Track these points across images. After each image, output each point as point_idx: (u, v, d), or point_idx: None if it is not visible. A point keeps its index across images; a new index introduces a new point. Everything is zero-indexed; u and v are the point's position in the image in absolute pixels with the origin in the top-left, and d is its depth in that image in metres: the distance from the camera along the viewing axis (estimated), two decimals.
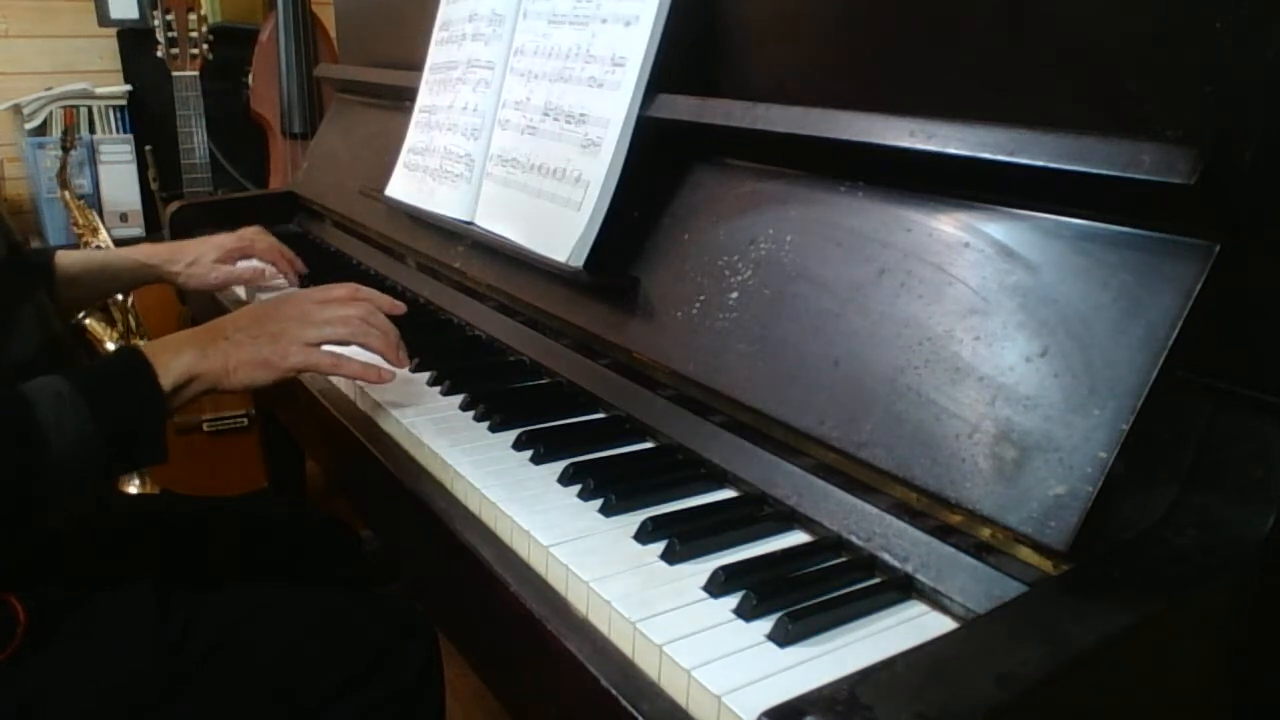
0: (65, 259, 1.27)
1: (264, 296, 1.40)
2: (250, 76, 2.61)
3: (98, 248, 2.20)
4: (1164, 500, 0.64)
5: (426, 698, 1.00)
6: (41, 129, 2.59)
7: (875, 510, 0.72)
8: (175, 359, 0.85)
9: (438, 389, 1.04)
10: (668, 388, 0.93)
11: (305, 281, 1.48)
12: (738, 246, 0.90)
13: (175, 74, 2.22)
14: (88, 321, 2.10)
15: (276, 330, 0.92)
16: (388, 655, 0.96)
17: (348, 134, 1.79)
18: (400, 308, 1.04)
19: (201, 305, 1.68)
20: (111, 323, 2.14)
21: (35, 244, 2.62)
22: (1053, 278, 0.67)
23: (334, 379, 1.09)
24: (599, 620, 0.67)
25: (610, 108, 1.00)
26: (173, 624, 0.90)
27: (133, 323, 2.16)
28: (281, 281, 1.48)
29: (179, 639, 0.89)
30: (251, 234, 1.46)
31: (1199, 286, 0.60)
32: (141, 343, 0.86)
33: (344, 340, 0.96)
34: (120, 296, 2.11)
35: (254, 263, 1.45)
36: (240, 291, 1.49)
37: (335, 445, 1.11)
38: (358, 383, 1.02)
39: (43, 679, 0.84)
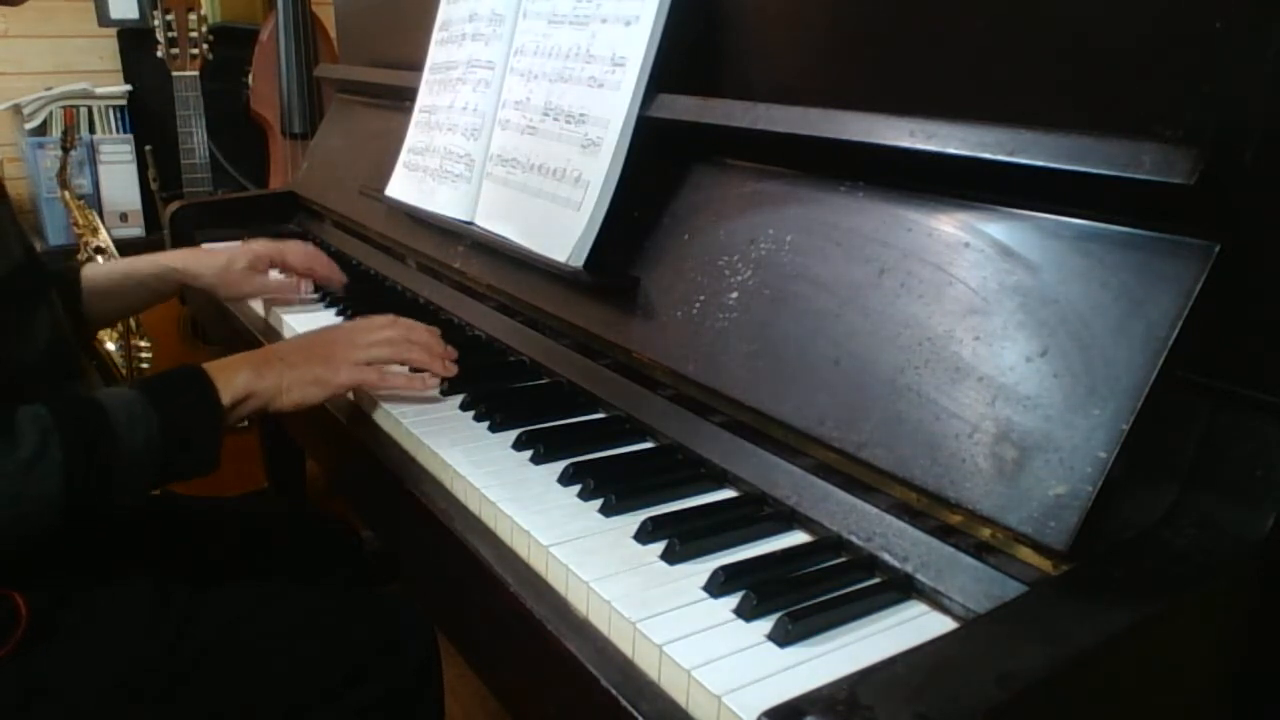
0: (91, 272, 1.25)
1: (282, 313, 1.35)
2: (250, 76, 2.61)
3: (98, 248, 2.20)
4: (1164, 500, 0.64)
5: (426, 697, 1.00)
6: (41, 129, 2.59)
7: (875, 510, 0.72)
8: (234, 377, 0.90)
9: (438, 389, 1.04)
10: (668, 388, 0.93)
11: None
12: (738, 246, 0.90)
13: (175, 74, 2.22)
14: None
15: (326, 353, 0.97)
16: (387, 655, 0.96)
17: (348, 134, 1.79)
18: (435, 332, 1.07)
19: (202, 306, 1.68)
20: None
21: (36, 244, 2.61)
22: (1053, 278, 0.67)
23: None
24: (599, 620, 0.67)
25: (610, 108, 1.00)
26: (172, 621, 0.91)
27: (133, 323, 2.15)
28: (310, 300, 1.40)
29: (177, 636, 0.89)
30: (284, 244, 1.40)
31: (1199, 286, 0.60)
32: (205, 364, 0.91)
33: (389, 359, 1.01)
34: None
35: (289, 280, 1.39)
36: (258, 307, 1.42)
37: (335, 445, 1.11)
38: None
39: (43, 675, 0.84)
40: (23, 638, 0.83)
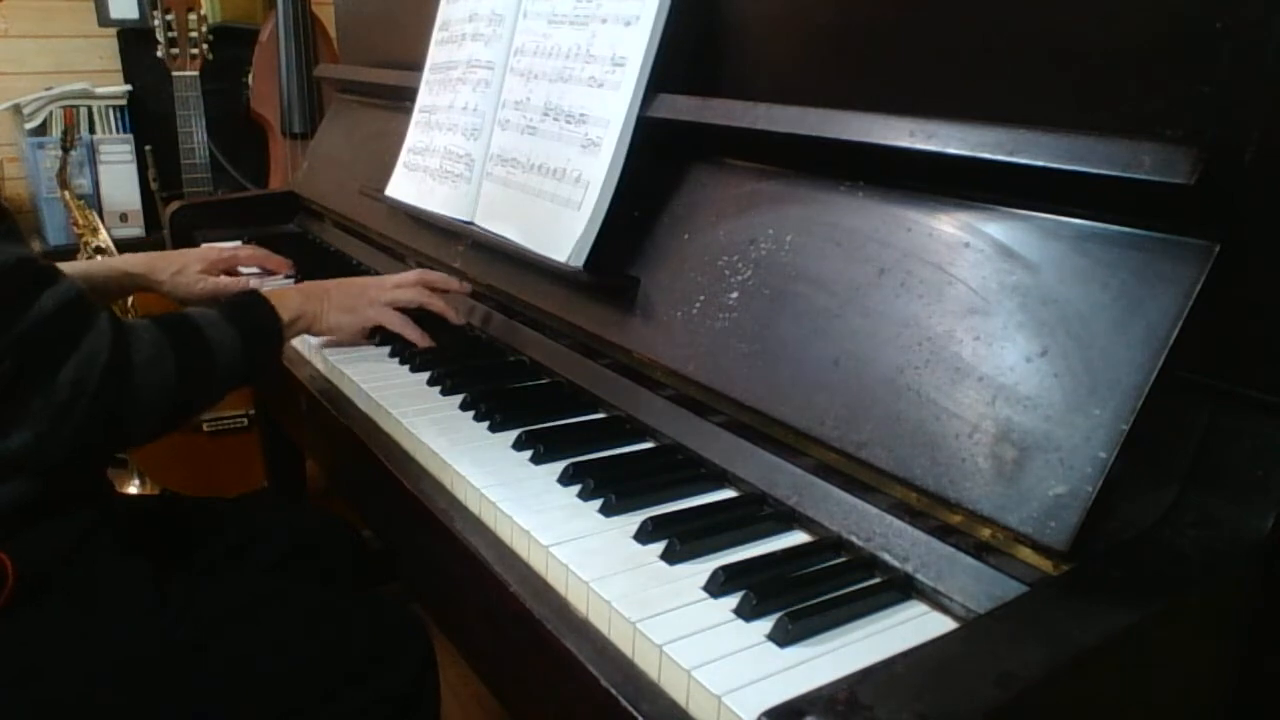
0: None
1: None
2: (250, 76, 2.61)
3: (98, 248, 2.20)
4: (1164, 500, 0.64)
5: (423, 699, 1.00)
6: (41, 129, 2.59)
7: (875, 510, 0.72)
8: (288, 301, 1.09)
9: (438, 389, 1.04)
10: (668, 388, 0.93)
11: (302, 279, 1.48)
12: (738, 246, 0.90)
13: (175, 74, 2.21)
14: None
15: (359, 291, 1.17)
16: (382, 656, 0.96)
17: (348, 134, 1.79)
18: (450, 280, 1.24)
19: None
20: None
21: (35, 244, 2.62)
22: (1053, 278, 0.67)
23: (333, 379, 1.12)
24: (599, 620, 0.67)
25: (610, 108, 1.00)
26: (168, 611, 0.92)
27: None
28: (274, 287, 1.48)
29: (172, 625, 0.90)
30: (235, 247, 1.50)
31: (1199, 286, 0.60)
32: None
33: (412, 302, 1.18)
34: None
35: (240, 279, 1.46)
36: None
37: (335, 446, 1.11)
38: (360, 382, 1.05)
39: (33, 647, 0.85)
40: (9, 601, 0.83)
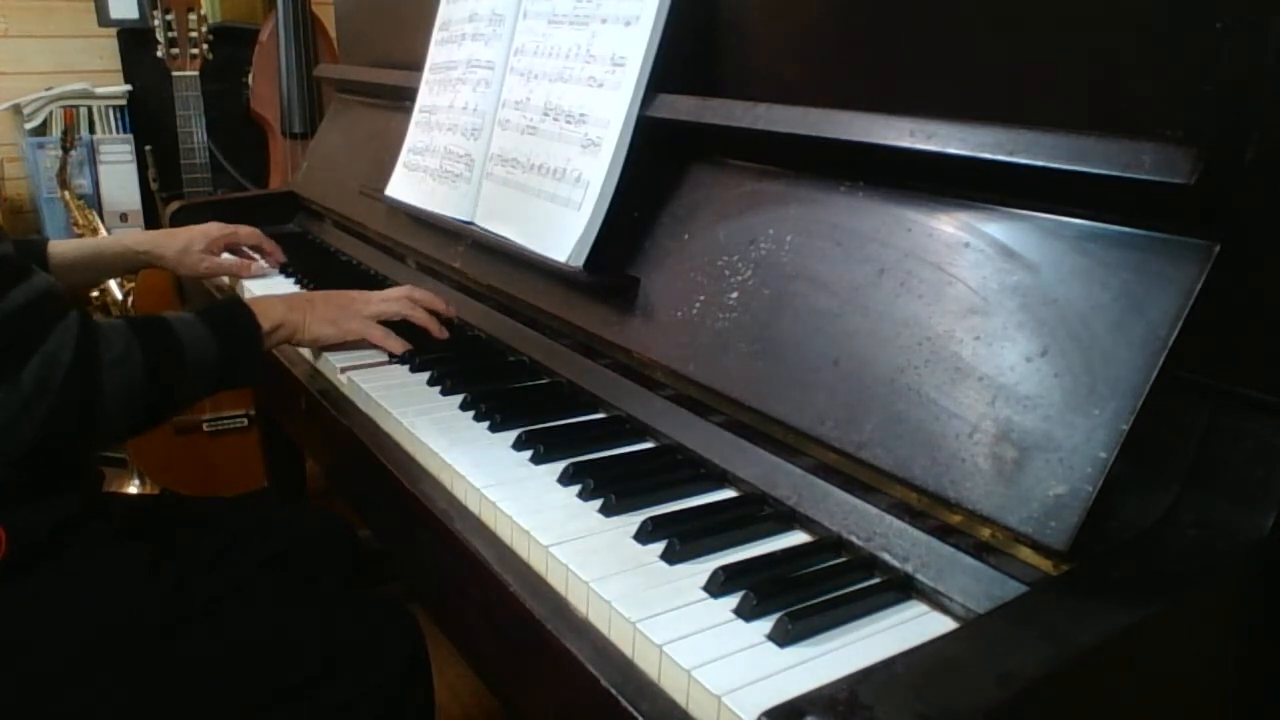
0: (58, 248, 1.34)
1: (248, 285, 1.48)
2: (250, 76, 2.61)
3: None
4: (1164, 500, 0.64)
5: (415, 698, 1.00)
6: (41, 129, 2.59)
7: (875, 510, 0.72)
8: (270, 310, 1.09)
9: (438, 389, 1.04)
10: (668, 388, 0.93)
11: (302, 277, 1.49)
12: (738, 246, 0.90)
13: (175, 74, 2.22)
14: None
15: (343, 303, 1.16)
16: (368, 652, 0.97)
17: (348, 134, 1.79)
18: (437, 302, 1.23)
19: (198, 300, 1.68)
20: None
21: None
22: (1053, 278, 0.67)
23: (335, 378, 1.12)
24: (599, 620, 0.67)
25: (610, 108, 1.00)
26: (160, 589, 0.94)
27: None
28: (265, 272, 1.55)
29: (162, 603, 0.92)
30: (235, 226, 1.54)
31: (1199, 286, 0.60)
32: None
33: (395, 314, 1.17)
34: (119, 296, 2.11)
35: (242, 259, 1.53)
36: (226, 281, 1.56)
37: (335, 446, 1.11)
38: (360, 382, 1.06)
39: (22, 621, 0.86)
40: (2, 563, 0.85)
